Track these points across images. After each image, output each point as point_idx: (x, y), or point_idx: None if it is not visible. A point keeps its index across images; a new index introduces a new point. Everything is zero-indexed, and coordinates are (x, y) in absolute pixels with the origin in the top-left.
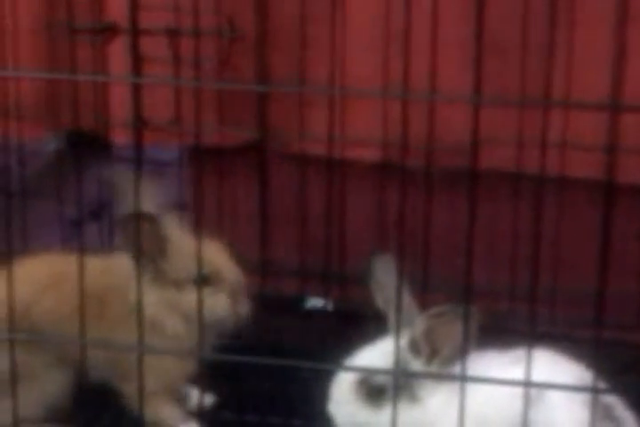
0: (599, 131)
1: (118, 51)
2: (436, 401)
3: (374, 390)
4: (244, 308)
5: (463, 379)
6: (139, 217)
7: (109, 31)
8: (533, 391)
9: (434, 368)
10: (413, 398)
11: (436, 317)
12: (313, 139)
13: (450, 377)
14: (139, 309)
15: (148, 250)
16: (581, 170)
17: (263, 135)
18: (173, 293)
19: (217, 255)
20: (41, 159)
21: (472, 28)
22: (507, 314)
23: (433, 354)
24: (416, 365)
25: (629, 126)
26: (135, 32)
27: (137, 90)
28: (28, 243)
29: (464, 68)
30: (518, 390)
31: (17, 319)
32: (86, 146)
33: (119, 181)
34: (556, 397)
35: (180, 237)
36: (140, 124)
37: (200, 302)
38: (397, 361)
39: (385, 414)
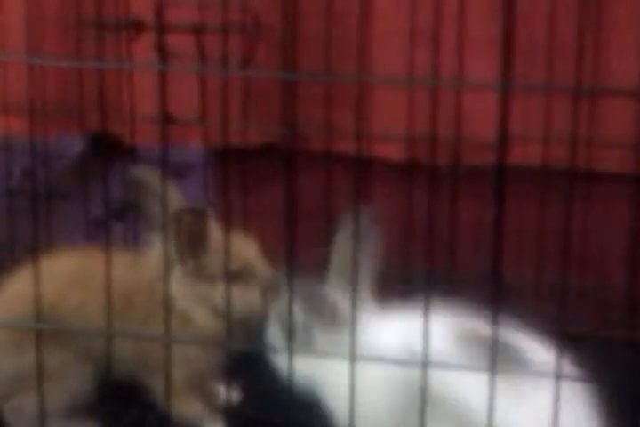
0: (627, 125)
1: (144, 48)
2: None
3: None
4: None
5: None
6: (191, 211)
7: (135, 28)
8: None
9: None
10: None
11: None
12: (340, 136)
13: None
14: (166, 299)
15: (192, 244)
16: (610, 165)
17: (290, 132)
18: (206, 287)
19: (249, 252)
20: (66, 161)
21: (499, 23)
22: (534, 313)
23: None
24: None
25: None
26: (161, 28)
27: (163, 79)
28: (54, 244)
29: (491, 65)
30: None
31: (43, 315)
32: (111, 147)
33: (144, 180)
34: (438, 344)
35: (215, 233)
36: (165, 116)
37: (230, 296)
38: None
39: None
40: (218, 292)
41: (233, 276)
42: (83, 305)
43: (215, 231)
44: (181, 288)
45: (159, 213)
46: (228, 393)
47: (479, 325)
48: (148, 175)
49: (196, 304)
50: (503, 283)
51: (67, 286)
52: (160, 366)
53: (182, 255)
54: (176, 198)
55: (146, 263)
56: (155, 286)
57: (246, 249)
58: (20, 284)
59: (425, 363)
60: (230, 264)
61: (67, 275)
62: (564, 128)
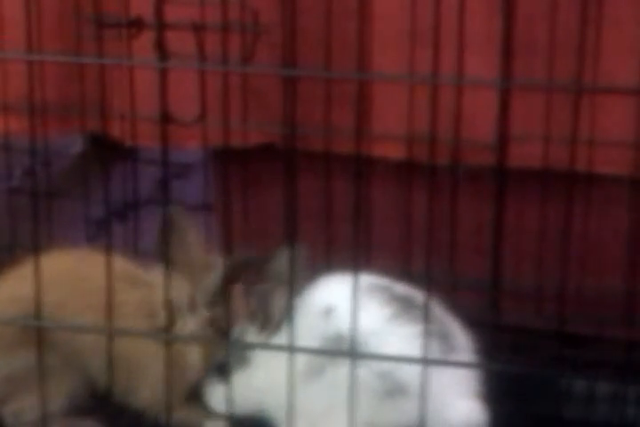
0: (630, 126)
1: (144, 46)
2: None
3: (223, 367)
4: None
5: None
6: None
7: (135, 26)
8: (326, 309)
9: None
10: (248, 366)
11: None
12: (339, 136)
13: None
14: (167, 300)
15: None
16: (610, 167)
17: (290, 131)
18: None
19: None
20: (66, 160)
21: (499, 21)
22: (534, 313)
23: (265, 322)
24: (252, 333)
25: None
26: (160, 26)
27: (162, 76)
28: (54, 243)
29: (491, 63)
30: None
31: (27, 316)
32: (111, 147)
33: (175, 220)
34: (343, 306)
35: None
36: (165, 115)
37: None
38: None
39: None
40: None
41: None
42: (67, 305)
43: None
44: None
45: (181, 254)
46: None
47: (386, 281)
48: (180, 217)
49: (197, 347)
50: (502, 283)
51: (52, 286)
52: (137, 383)
53: (212, 303)
54: (197, 241)
55: (152, 286)
56: (149, 306)
57: None
58: (12, 284)
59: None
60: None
61: (55, 276)
62: (564, 128)
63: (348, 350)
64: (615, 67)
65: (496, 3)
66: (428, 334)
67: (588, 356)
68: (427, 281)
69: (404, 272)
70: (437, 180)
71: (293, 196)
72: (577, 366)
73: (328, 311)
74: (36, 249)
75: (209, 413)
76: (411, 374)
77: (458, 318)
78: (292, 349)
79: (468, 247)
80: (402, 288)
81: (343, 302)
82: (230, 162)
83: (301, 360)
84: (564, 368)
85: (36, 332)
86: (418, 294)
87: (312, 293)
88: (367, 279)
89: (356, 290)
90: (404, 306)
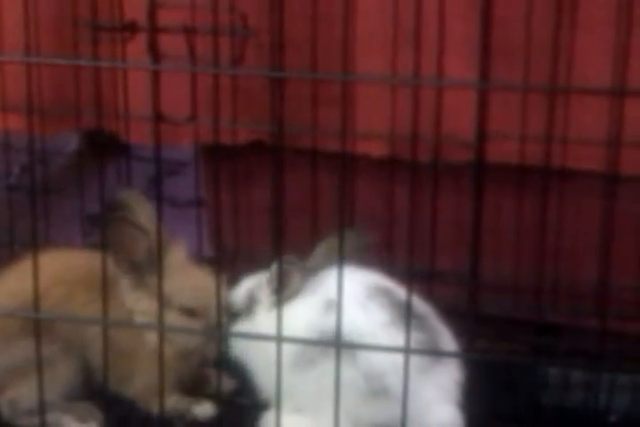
0: (602, 123)
1: (138, 49)
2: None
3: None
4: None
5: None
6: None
7: (129, 30)
8: (330, 303)
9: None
10: (251, 314)
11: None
12: (325, 134)
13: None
14: (160, 290)
15: (131, 255)
16: (583, 162)
17: (277, 130)
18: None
19: (211, 294)
20: (63, 157)
21: (478, 25)
22: (511, 304)
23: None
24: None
25: (631, 118)
26: (153, 30)
27: (155, 78)
28: (51, 238)
29: (470, 64)
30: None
31: (28, 310)
32: (106, 145)
33: (125, 199)
34: (350, 304)
35: (180, 264)
36: (158, 114)
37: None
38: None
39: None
40: (169, 317)
41: (187, 310)
42: (65, 301)
43: (180, 262)
44: (138, 303)
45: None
46: (219, 381)
47: (390, 284)
48: (129, 194)
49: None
50: (481, 275)
51: (50, 282)
52: (131, 373)
53: (120, 264)
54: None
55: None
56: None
57: (210, 291)
58: (16, 278)
59: (338, 344)
60: (189, 300)
61: (50, 271)
62: (540, 126)
63: (332, 340)
64: (588, 68)
65: (475, 7)
66: (418, 344)
67: (564, 345)
68: (409, 273)
69: (385, 264)
70: (419, 176)
71: (281, 191)
72: (552, 355)
73: (329, 306)
74: (33, 245)
75: (200, 399)
76: (397, 379)
77: (438, 309)
78: (279, 339)
79: (449, 240)
80: (403, 293)
81: (345, 298)
82: (220, 159)
83: (292, 350)
84: (541, 357)
85: (35, 324)
86: (418, 302)
87: (315, 285)
88: (372, 279)
89: (340, 282)
90: (403, 313)
